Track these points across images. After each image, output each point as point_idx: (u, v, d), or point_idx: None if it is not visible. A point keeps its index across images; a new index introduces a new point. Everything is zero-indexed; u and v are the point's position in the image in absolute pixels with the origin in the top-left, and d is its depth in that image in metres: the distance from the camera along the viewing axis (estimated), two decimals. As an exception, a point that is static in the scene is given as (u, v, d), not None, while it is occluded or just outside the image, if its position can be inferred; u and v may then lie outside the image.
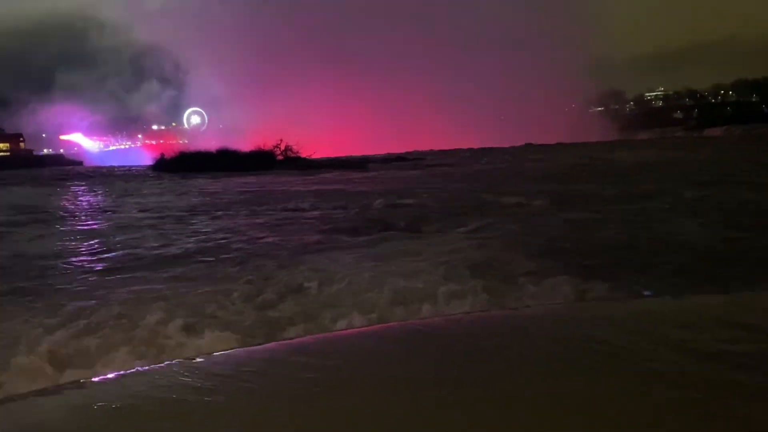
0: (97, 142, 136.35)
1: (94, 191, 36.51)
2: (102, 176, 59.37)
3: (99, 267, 10.80)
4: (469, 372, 1.39)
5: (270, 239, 13.19)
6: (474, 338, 1.63)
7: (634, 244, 10.45)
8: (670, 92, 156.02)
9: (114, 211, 22.54)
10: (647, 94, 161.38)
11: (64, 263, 11.27)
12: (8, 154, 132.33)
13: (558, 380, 1.32)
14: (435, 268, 8.71)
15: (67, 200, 29.81)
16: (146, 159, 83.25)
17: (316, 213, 18.41)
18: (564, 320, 1.79)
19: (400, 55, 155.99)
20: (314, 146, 71.15)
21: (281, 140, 65.93)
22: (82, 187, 40.87)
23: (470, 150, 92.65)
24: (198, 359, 1.54)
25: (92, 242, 13.91)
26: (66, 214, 22.03)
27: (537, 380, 1.32)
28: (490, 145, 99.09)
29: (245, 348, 1.79)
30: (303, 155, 66.08)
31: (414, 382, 1.34)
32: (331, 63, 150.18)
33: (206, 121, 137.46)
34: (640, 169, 31.56)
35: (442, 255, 9.84)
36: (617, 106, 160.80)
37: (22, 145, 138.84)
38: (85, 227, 17.72)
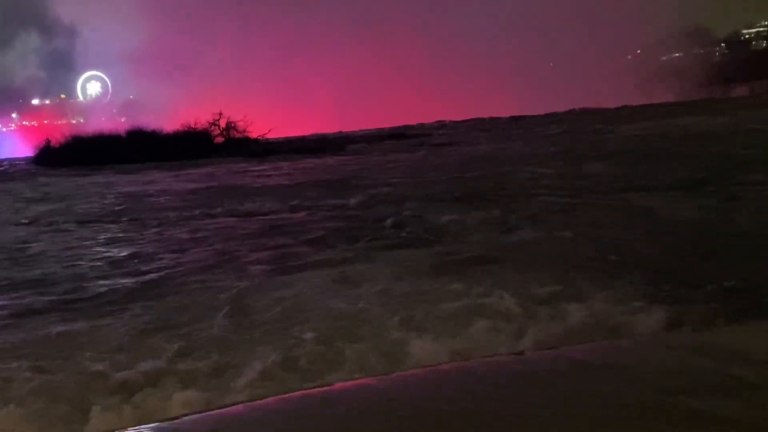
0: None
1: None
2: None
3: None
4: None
5: (184, 260, 14.20)
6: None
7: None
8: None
9: None
10: (745, 31, 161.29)
11: None
12: None
13: None
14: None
15: None
16: (25, 148, 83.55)
17: (263, 219, 19.74)
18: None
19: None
20: (269, 122, 72.05)
21: (220, 115, 67.47)
22: None
23: (496, 120, 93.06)
24: None
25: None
26: None
27: None
28: (527, 113, 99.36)
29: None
30: (253, 136, 67.77)
31: None
32: (289, 9, 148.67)
33: (110, 91, 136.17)
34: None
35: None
36: (702, 50, 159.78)
37: None
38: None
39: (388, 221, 16.81)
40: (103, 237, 18.93)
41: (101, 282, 12.90)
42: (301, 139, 73.32)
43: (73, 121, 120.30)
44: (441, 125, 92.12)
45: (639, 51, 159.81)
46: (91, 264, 14.89)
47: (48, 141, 69.03)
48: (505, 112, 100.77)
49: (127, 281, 12.76)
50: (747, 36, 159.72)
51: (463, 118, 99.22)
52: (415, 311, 8.83)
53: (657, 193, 18.30)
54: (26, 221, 23.71)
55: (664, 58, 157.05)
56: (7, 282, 13.39)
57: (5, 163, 75.00)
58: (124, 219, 22.29)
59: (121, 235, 19.02)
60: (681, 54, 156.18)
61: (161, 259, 14.75)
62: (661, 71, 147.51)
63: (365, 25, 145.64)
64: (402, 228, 15.95)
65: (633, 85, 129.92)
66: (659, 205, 16.27)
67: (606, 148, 34.55)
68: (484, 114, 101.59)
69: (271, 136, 69.46)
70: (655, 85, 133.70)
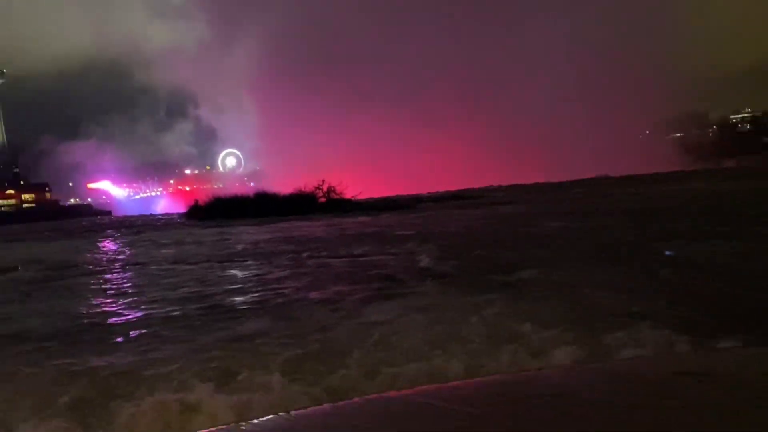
0: (126, 190, 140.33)
1: (125, 243, 37.68)
2: (132, 227, 61.07)
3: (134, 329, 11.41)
4: None
5: (290, 289, 13.83)
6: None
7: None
8: (759, 113, 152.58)
9: (144, 264, 23.76)
10: (732, 116, 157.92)
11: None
12: (33, 205, 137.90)
13: None
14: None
15: (97, 254, 31.07)
16: (179, 206, 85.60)
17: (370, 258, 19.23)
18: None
19: (453, 88, 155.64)
20: (360, 186, 72.43)
21: (323, 181, 67.44)
22: (110, 241, 42.24)
23: (537, 185, 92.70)
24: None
25: (126, 298, 14.73)
26: (96, 268, 23.04)
27: None
28: (558, 179, 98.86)
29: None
30: (347, 197, 67.39)
31: None
32: (377, 98, 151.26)
33: (243, 164, 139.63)
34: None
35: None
36: (698, 131, 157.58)
37: (48, 195, 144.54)
38: (122, 281, 18.58)
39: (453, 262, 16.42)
40: (243, 270, 19.12)
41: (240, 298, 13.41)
42: (384, 199, 73.65)
43: (215, 186, 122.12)
44: (492, 189, 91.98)
45: (648, 131, 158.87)
46: (228, 287, 15.22)
47: (196, 201, 70.74)
48: (542, 178, 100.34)
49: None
50: (733, 120, 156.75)
51: (510, 183, 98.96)
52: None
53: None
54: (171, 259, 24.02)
55: (668, 137, 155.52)
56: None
57: (164, 218, 76.87)
58: (256, 256, 22.45)
59: (252, 270, 19.00)
60: (681, 134, 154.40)
61: (283, 285, 14.99)
62: (668, 146, 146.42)
63: (431, 112, 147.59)
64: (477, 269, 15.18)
65: (646, 157, 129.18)
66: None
67: (613, 206, 34.17)
68: (527, 179, 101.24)
69: (360, 197, 69.46)
70: (663, 157, 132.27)
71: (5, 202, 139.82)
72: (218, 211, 62.04)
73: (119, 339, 10.17)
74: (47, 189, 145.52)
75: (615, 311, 8.79)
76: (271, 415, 1.89)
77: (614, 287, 10.88)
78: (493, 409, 1.77)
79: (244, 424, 1.82)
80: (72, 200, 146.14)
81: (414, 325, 9.05)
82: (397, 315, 9.99)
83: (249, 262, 21.21)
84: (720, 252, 14.48)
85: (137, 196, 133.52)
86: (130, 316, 12.39)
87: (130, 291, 16.26)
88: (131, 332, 10.62)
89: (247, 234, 36.63)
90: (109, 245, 37.75)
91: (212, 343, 9.21)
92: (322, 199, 66.59)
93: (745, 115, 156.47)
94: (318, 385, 6.75)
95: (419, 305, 10.66)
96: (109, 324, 11.73)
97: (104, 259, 27.97)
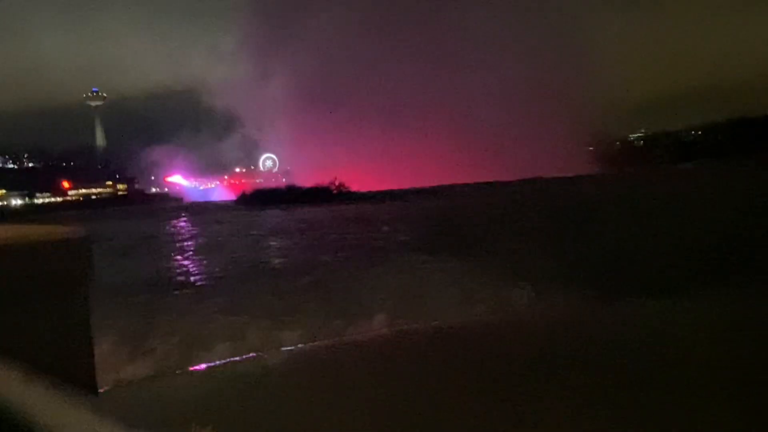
0: (193, 183, 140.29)
1: (192, 221, 37.52)
2: (197, 209, 60.90)
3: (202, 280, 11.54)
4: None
5: (308, 257, 13.72)
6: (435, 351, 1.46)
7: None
8: (650, 134, 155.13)
9: (206, 235, 23.87)
10: (630, 135, 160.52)
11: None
12: (126, 193, 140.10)
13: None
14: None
15: (171, 228, 31.10)
16: (230, 195, 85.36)
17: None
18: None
19: (432, 111, 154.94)
20: (362, 181, 72.10)
21: (336, 177, 67.41)
22: (181, 220, 42.07)
23: (487, 183, 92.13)
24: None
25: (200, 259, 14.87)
26: (171, 238, 23.14)
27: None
28: (505, 179, 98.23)
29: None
30: (353, 189, 67.11)
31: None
32: (375, 116, 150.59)
33: (277, 164, 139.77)
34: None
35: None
36: (605, 146, 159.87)
37: (136, 185, 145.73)
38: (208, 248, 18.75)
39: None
40: (276, 241, 19.39)
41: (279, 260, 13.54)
42: (379, 192, 73.02)
43: (257, 181, 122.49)
44: (458, 185, 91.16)
45: (569, 144, 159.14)
46: (267, 252, 15.43)
47: (244, 191, 70.55)
48: (491, 178, 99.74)
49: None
50: (631, 138, 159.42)
51: (470, 181, 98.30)
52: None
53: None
54: (227, 233, 24.01)
55: (585, 149, 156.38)
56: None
57: (220, 203, 76.56)
58: (285, 232, 22.42)
59: (284, 242, 18.96)
60: (592, 147, 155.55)
61: (302, 252, 15.14)
62: (585, 156, 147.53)
63: (414, 127, 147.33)
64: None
65: (569, 164, 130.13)
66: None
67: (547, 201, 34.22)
68: (482, 179, 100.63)
69: (362, 189, 68.65)
70: (581, 164, 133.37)
71: (105, 190, 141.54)
72: (259, 199, 61.61)
73: (185, 287, 10.44)
74: (135, 181, 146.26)
75: (523, 271, 8.97)
76: (292, 347, 1.51)
77: (527, 254, 11.05)
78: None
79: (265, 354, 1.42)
80: (153, 189, 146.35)
81: (390, 279, 9.32)
82: (379, 272, 10.26)
83: (281, 236, 21.32)
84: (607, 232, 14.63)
85: (201, 187, 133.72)
86: (194, 272, 12.64)
87: (195, 255, 16.50)
88: (195, 282, 10.89)
89: (279, 216, 36.59)
90: (180, 223, 37.83)
91: (252, 290, 9.49)
92: (335, 191, 66.35)
93: (640, 134, 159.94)
94: (319, 318, 7.04)
95: (396, 265, 10.91)
96: (178, 276, 11.98)
97: (176, 231, 28.10)
